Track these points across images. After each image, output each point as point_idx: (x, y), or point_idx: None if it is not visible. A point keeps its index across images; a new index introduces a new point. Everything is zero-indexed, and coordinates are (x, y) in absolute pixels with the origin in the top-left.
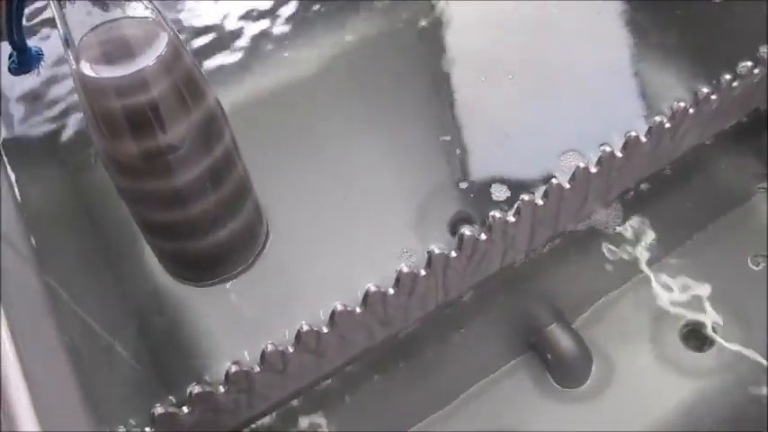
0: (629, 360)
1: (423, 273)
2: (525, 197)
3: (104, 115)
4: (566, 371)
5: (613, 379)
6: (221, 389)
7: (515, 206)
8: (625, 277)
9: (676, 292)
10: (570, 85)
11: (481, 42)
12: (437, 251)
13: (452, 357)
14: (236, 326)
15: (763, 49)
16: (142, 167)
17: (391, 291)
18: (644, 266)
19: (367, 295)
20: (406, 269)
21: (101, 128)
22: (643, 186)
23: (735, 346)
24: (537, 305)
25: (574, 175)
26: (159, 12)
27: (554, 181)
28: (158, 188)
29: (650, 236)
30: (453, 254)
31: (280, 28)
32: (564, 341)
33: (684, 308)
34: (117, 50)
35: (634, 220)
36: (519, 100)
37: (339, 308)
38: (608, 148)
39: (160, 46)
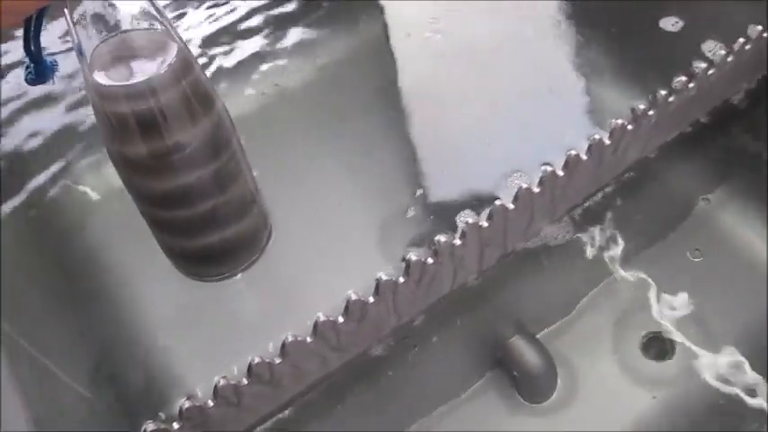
0: (593, 371)
1: (371, 299)
2: (470, 220)
3: (116, 120)
4: (532, 386)
5: (578, 391)
6: (175, 425)
7: (460, 229)
8: (584, 287)
9: (636, 298)
10: (516, 108)
11: (430, 70)
12: (384, 277)
13: (416, 379)
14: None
15: (697, 64)
16: (151, 169)
17: (341, 319)
18: (601, 275)
19: (317, 324)
20: (354, 297)
21: (113, 132)
22: (592, 200)
23: (694, 354)
24: (497, 321)
25: (517, 196)
26: (169, 24)
27: (497, 203)
28: (165, 188)
29: (604, 246)
30: (401, 279)
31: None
32: (529, 356)
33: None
34: (128, 60)
35: (586, 233)
36: (471, 124)
37: (290, 338)
38: (549, 168)
39: (170, 56)
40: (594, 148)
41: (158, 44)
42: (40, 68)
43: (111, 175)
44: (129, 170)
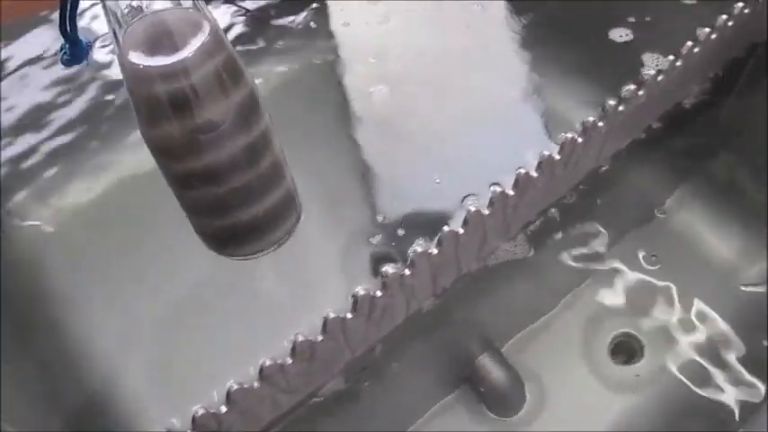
0: (562, 380)
1: (320, 338)
2: (418, 248)
3: (150, 100)
4: (500, 401)
5: (548, 402)
6: None
7: (409, 258)
8: (548, 297)
9: (599, 304)
10: (466, 128)
11: (379, 96)
12: (332, 315)
13: (380, 406)
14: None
15: (645, 71)
16: (186, 147)
17: (289, 360)
18: (564, 285)
19: (262, 369)
20: (301, 338)
21: (146, 112)
22: (547, 214)
23: (663, 356)
24: (460, 340)
25: (466, 219)
26: (201, 3)
27: (446, 229)
28: (200, 167)
29: (562, 257)
30: (349, 315)
31: None
32: (495, 372)
33: (611, 321)
34: (161, 39)
35: (543, 246)
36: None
37: (234, 386)
38: (498, 189)
39: (203, 33)
40: (545, 164)
41: (190, 22)
42: (75, 49)
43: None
44: (163, 151)
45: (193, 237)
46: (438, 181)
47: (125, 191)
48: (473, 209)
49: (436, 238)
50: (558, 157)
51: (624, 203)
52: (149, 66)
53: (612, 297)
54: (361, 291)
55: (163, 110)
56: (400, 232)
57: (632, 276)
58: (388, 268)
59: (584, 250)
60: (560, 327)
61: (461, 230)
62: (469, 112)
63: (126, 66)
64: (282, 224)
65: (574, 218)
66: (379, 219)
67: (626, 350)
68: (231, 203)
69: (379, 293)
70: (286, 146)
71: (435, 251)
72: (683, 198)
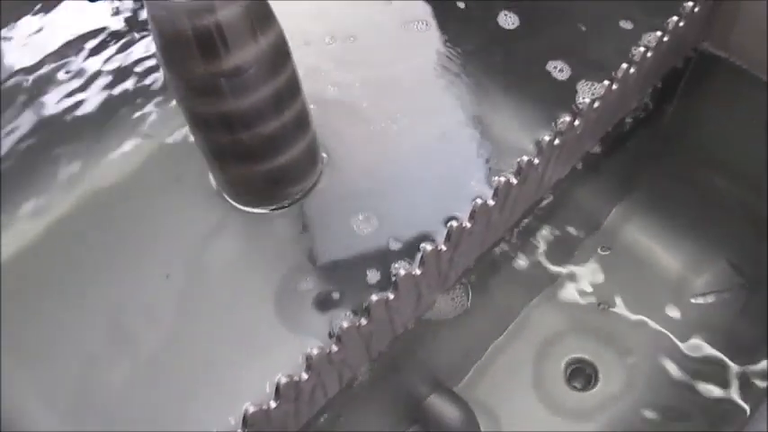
0: (516, 412)
1: (273, 405)
2: (344, 324)
3: (176, 40)
4: None
5: None
6: None
7: (336, 335)
8: (493, 330)
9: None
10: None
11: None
12: (284, 379)
13: None
14: None
15: (580, 99)
16: (213, 90)
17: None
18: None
19: None
20: (252, 408)
21: (172, 52)
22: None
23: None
24: (409, 385)
25: (396, 284)
26: None
27: (374, 298)
28: (225, 110)
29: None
30: (273, 404)
31: None
32: (446, 411)
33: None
34: None
35: (482, 291)
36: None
37: None
38: (429, 247)
39: None
40: (479, 212)
41: None
42: None
43: None
44: (190, 95)
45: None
46: (367, 232)
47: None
48: (402, 272)
49: (365, 306)
50: (492, 202)
51: (568, 227)
52: (176, 2)
53: (561, 321)
54: (283, 378)
55: (189, 49)
56: (335, 295)
57: (580, 298)
58: (314, 350)
59: (527, 276)
60: (511, 356)
61: (391, 296)
62: (396, 153)
63: (153, 5)
64: (305, 177)
65: (516, 251)
66: (304, 286)
67: (582, 376)
68: (255, 151)
69: (304, 376)
70: None
71: (365, 322)
72: (628, 214)
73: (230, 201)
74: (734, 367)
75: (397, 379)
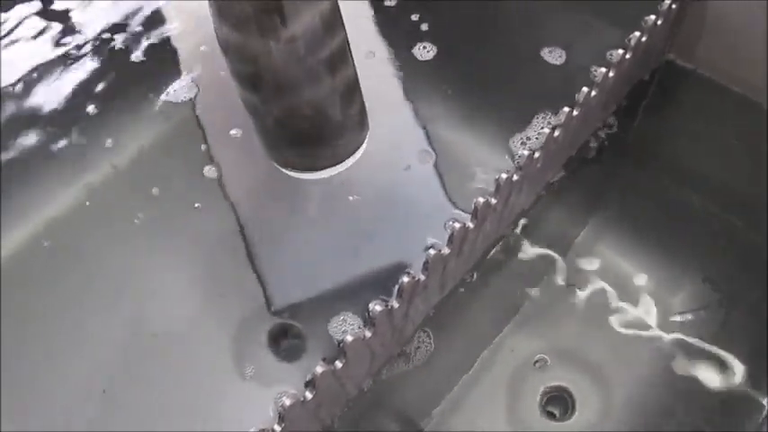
0: None
1: None
2: (287, 401)
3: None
4: None
5: None
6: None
7: (279, 413)
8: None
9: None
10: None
11: None
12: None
13: None
14: None
15: (538, 130)
16: (272, 54)
17: None
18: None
19: None
20: None
21: (229, 20)
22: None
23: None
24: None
25: (344, 351)
26: None
27: (318, 369)
28: (277, 75)
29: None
30: None
31: None
32: None
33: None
34: None
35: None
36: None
37: None
38: (378, 308)
39: None
40: (433, 263)
41: None
42: None
43: None
44: (247, 60)
45: None
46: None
47: None
48: (350, 338)
49: (310, 379)
50: (447, 250)
51: (536, 252)
52: None
53: (534, 346)
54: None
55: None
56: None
57: (554, 332)
58: (286, 400)
59: (496, 306)
60: (484, 388)
61: (339, 364)
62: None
63: None
64: (353, 141)
65: (482, 284)
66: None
67: (559, 404)
68: (305, 115)
69: (277, 427)
70: None
71: (309, 396)
72: (598, 234)
73: None
74: (715, 388)
75: (367, 420)
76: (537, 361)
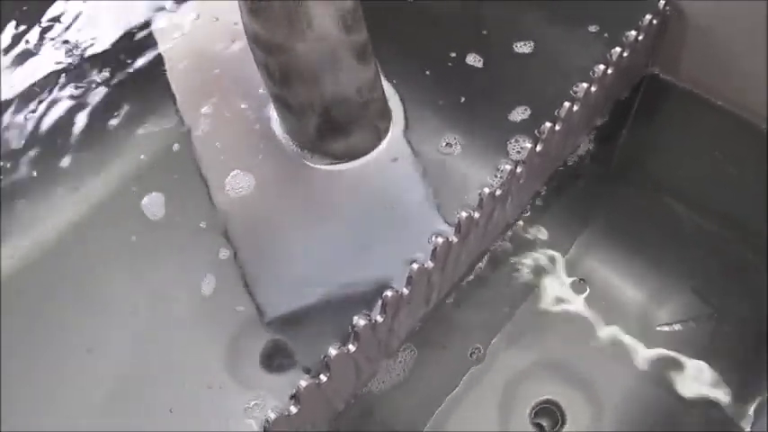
0: None
1: None
2: (272, 415)
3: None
4: None
5: None
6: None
7: (273, 417)
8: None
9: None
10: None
11: None
12: None
13: None
14: None
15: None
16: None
17: None
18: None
19: None
20: None
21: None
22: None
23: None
24: None
25: (328, 365)
26: None
27: (302, 383)
28: (302, 66)
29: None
30: None
31: None
32: None
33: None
34: None
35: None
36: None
37: None
38: (362, 322)
39: None
40: (416, 277)
41: None
42: None
43: None
44: (261, 44)
45: None
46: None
47: None
48: (334, 352)
49: (294, 393)
50: (431, 264)
51: (523, 265)
52: None
53: (523, 359)
54: None
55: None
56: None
57: (542, 336)
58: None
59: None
60: (473, 402)
61: (324, 378)
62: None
63: None
64: (376, 130)
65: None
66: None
67: (548, 417)
68: (330, 104)
69: None
70: None
71: (295, 410)
72: (587, 248)
73: None
74: (702, 401)
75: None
76: (526, 374)
